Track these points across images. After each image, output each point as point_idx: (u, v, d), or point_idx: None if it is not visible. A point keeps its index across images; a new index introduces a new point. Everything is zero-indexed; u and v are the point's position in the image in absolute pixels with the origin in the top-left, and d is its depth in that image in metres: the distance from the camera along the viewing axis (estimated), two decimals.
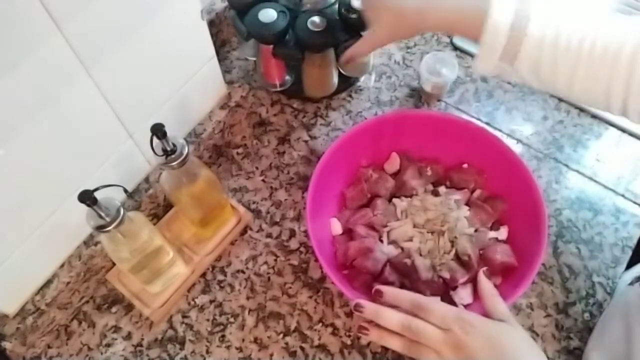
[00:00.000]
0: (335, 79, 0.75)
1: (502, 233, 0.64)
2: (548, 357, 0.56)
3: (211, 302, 0.64)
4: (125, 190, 0.51)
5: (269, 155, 0.74)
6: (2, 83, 0.44)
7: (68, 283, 0.63)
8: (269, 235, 0.68)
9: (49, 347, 0.61)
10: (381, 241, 0.63)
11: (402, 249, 0.63)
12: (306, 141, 0.76)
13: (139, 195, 0.69)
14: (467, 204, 0.66)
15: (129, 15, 0.54)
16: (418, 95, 0.80)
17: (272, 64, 0.73)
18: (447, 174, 0.69)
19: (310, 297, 0.63)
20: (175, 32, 0.62)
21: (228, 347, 0.61)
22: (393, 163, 0.69)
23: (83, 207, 0.45)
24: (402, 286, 0.60)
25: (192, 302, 0.64)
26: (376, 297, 0.50)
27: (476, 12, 0.48)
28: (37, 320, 0.61)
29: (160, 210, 0.70)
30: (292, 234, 0.68)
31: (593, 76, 0.45)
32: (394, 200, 0.67)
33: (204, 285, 0.65)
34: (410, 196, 0.67)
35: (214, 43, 0.70)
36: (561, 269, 0.65)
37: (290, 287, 0.64)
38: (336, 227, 0.65)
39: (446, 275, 0.60)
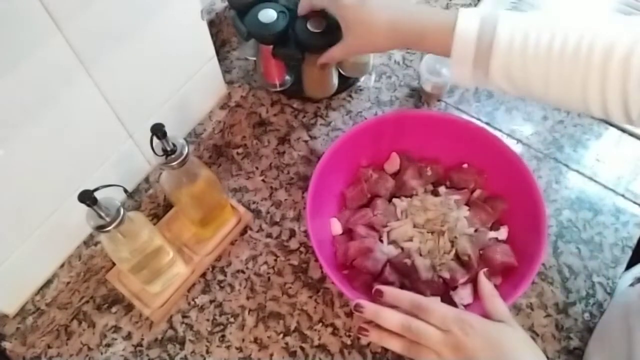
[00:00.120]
0: (336, 80, 0.75)
1: (502, 233, 0.64)
2: (548, 357, 0.56)
3: (211, 302, 0.64)
4: (125, 190, 0.51)
5: (269, 155, 0.74)
6: (2, 83, 0.44)
7: (68, 283, 0.63)
8: (269, 235, 0.68)
9: (49, 347, 0.61)
10: (381, 241, 0.63)
11: (402, 249, 0.63)
12: (306, 141, 0.76)
13: (139, 195, 0.69)
14: (467, 204, 0.66)
15: (129, 15, 0.54)
16: (418, 95, 0.80)
17: (272, 64, 0.73)
18: (447, 174, 0.69)
19: (310, 297, 0.63)
20: (175, 32, 0.62)
21: (228, 347, 0.61)
22: (393, 163, 0.69)
23: (83, 207, 0.45)
24: (402, 286, 0.60)
25: (192, 302, 0.64)
26: (376, 297, 0.50)
27: (445, 25, 0.49)
28: (37, 320, 0.61)
29: (160, 210, 0.70)
30: (292, 234, 0.68)
31: (566, 76, 0.45)
32: (394, 200, 0.67)
33: (204, 285, 0.65)
34: (410, 196, 0.67)
35: (214, 43, 0.70)
36: (561, 269, 0.65)
37: (290, 287, 0.64)
38: (336, 227, 0.65)
39: (446, 275, 0.60)
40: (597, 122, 0.76)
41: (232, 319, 0.62)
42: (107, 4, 0.50)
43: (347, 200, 0.67)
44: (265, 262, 0.66)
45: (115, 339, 0.61)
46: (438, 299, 0.59)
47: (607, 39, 0.43)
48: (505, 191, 0.65)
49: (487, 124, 0.77)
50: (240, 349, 0.60)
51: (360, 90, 0.80)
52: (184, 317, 0.63)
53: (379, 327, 0.48)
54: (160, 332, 0.62)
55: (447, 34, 0.49)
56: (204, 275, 0.65)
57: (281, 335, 0.61)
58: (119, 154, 0.63)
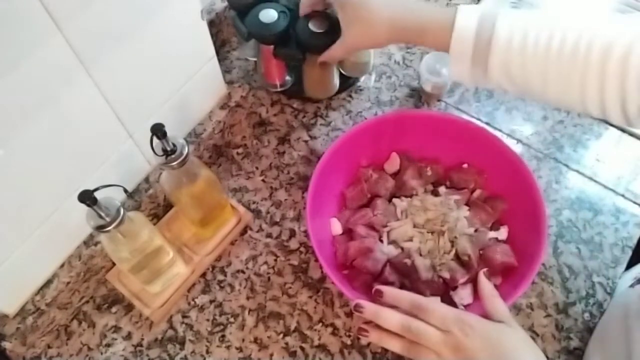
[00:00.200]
0: (337, 80, 0.75)
1: (502, 233, 0.64)
2: (548, 357, 0.56)
3: (211, 302, 0.64)
4: (125, 190, 0.51)
5: (269, 155, 0.74)
6: (2, 83, 0.44)
7: (68, 283, 0.63)
8: (269, 235, 0.68)
9: (49, 347, 0.61)
10: (381, 241, 0.63)
11: (402, 249, 0.63)
12: (306, 141, 0.76)
13: (139, 195, 0.69)
14: (467, 204, 0.66)
15: (129, 15, 0.54)
16: (418, 95, 0.80)
17: (273, 65, 0.73)
18: (447, 174, 0.69)
19: (310, 297, 0.63)
20: (175, 32, 0.62)
21: (228, 347, 0.61)
22: (393, 163, 0.69)
23: (83, 207, 0.45)
24: (402, 286, 0.60)
25: (192, 302, 0.64)
26: (376, 297, 0.50)
27: (444, 22, 0.49)
28: (37, 320, 0.61)
29: (160, 210, 0.70)
30: (292, 234, 0.68)
31: (565, 74, 0.45)
32: (394, 200, 0.67)
33: (204, 285, 0.65)
34: (410, 196, 0.67)
35: (214, 43, 0.70)
36: (561, 269, 0.65)
37: (290, 287, 0.64)
38: (336, 227, 0.65)
39: (446, 275, 0.60)
40: (597, 122, 0.76)
41: (232, 319, 0.62)
42: (107, 4, 0.50)
43: (347, 200, 0.67)
44: (265, 262, 0.66)
45: (115, 339, 0.61)
46: (438, 299, 0.59)
47: (606, 38, 0.43)
48: (505, 191, 0.65)
49: (487, 124, 0.77)
50: (240, 349, 0.60)
51: (360, 90, 0.80)
52: (184, 317, 0.63)
53: (378, 327, 0.48)
54: (160, 332, 0.62)
55: (446, 31, 0.49)
56: (204, 275, 0.65)
57: (281, 335, 0.61)
58: (119, 154, 0.63)
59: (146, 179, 0.71)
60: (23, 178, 0.52)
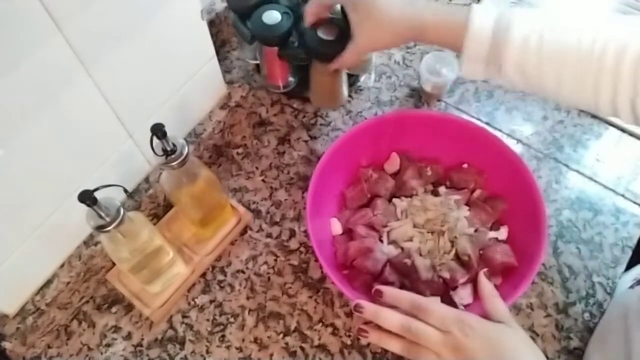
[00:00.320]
0: (346, 91, 0.72)
1: (502, 233, 0.64)
2: (548, 357, 0.56)
3: (211, 302, 0.64)
4: (125, 190, 0.51)
5: (269, 155, 0.74)
6: (2, 83, 0.44)
7: (68, 283, 0.63)
8: (269, 235, 0.68)
9: (49, 347, 0.61)
10: (381, 241, 0.63)
11: (402, 249, 0.63)
12: (306, 141, 0.76)
13: (139, 195, 0.69)
14: (467, 204, 0.66)
15: (129, 15, 0.54)
16: (418, 95, 0.80)
17: (276, 66, 0.72)
18: (447, 174, 0.69)
19: (310, 297, 0.63)
20: (175, 32, 0.62)
21: (228, 347, 0.61)
22: (393, 163, 0.69)
23: (83, 207, 0.45)
24: (402, 286, 0.60)
25: (192, 302, 0.64)
26: (376, 297, 0.50)
27: (458, 21, 0.49)
28: (37, 320, 0.61)
29: (160, 210, 0.70)
30: (292, 234, 0.68)
31: (579, 75, 0.46)
32: (394, 200, 0.67)
33: (204, 285, 0.65)
34: (410, 196, 0.67)
35: (214, 43, 0.70)
36: (561, 269, 0.65)
37: (290, 287, 0.64)
38: (336, 227, 0.65)
39: (446, 275, 0.60)
40: (597, 122, 0.76)
41: (232, 319, 0.62)
42: (107, 4, 0.50)
43: (347, 200, 0.67)
44: (265, 262, 0.66)
45: (115, 339, 0.61)
46: (438, 299, 0.59)
47: (620, 41, 0.44)
48: (505, 191, 0.65)
49: (487, 124, 0.77)
50: (240, 349, 0.60)
51: (360, 90, 0.80)
52: (184, 317, 0.63)
53: (378, 327, 0.48)
54: (160, 332, 0.62)
55: (459, 30, 0.49)
56: (204, 275, 0.65)
57: (281, 335, 0.61)
58: (119, 154, 0.63)
59: (146, 179, 0.71)
60: (23, 178, 0.52)
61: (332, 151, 0.63)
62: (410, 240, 0.63)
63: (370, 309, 0.48)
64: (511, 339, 0.46)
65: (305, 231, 0.68)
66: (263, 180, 0.72)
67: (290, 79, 0.75)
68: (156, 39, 0.59)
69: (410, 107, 0.79)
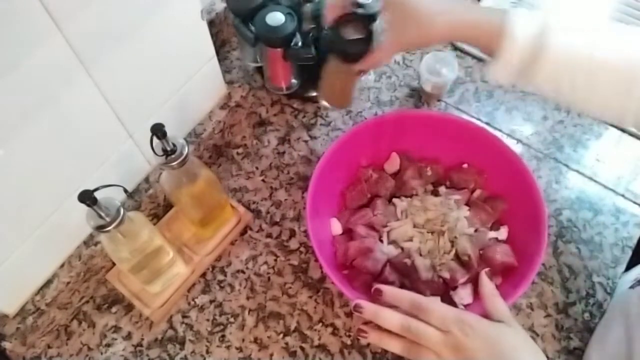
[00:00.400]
0: (356, 93, 0.71)
1: (502, 233, 0.64)
2: (548, 357, 0.56)
3: (211, 302, 0.64)
4: (125, 190, 0.51)
5: (269, 155, 0.74)
6: (2, 83, 0.44)
7: (68, 283, 0.63)
8: (269, 235, 0.68)
9: (49, 347, 0.61)
10: (381, 241, 0.63)
11: (402, 249, 0.63)
12: (306, 141, 0.76)
13: (139, 195, 0.69)
14: (467, 204, 0.66)
15: (129, 15, 0.54)
16: (418, 95, 0.80)
17: (280, 68, 0.72)
18: (447, 174, 0.69)
19: (310, 297, 0.63)
20: (175, 32, 0.62)
21: (228, 347, 0.61)
22: (393, 163, 0.69)
23: (83, 207, 0.45)
24: (402, 286, 0.60)
25: (192, 302, 0.64)
26: (376, 296, 0.50)
27: (497, 26, 0.49)
28: (37, 320, 0.61)
29: (160, 210, 0.70)
30: (292, 234, 0.68)
31: (611, 92, 0.47)
32: (394, 200, 0.67)
33: (204, 285, 0.65)
34: (410, 196, 0.67)
35: (214, 43, 0.70)
36: (561, 269, 0.65)
37: (290, 287, 0.64)
38: (336, 227, 0.65)
39: (446, 275, 0.60)
40: (597, 122, 0.76)
41: (232, 319, 0.62)
42: (107, 4, 0.50)
43: (347, 200, 0.67)
44: (265, 262, 0.66)
45: (115, 339, 0.61)
46: (438, 299, 0.58)
47: None
48: (505, 191, 0.65)
49: (487, 124, 0.77)
50: (240, 349, 0.60)
51: (360, 90, 0.80)
52: (184, 317, 0.63)
53: (378, 327, 0.48)
54: (160, 332, 0.62)
55: (495, 35, 0.49)
56: (204, 275, 0.65)
57: (281, 335, 0.61)
58: (119, 154, 0.63)
59: (146, 179, 0.71)
60: (23, 178, 0.52)
61: (332, 151, 0.63)
62: (410, 240, 0.63)
63: (370, 308, 0.48)
64: (511, 338, 0.46)
65: (305, 231, 0.68)
66: (263, 180, 0.72)
67: (293, 80, 0.75)
68: (156, 39, 0.59)
69: (410, 107, 0.79)
